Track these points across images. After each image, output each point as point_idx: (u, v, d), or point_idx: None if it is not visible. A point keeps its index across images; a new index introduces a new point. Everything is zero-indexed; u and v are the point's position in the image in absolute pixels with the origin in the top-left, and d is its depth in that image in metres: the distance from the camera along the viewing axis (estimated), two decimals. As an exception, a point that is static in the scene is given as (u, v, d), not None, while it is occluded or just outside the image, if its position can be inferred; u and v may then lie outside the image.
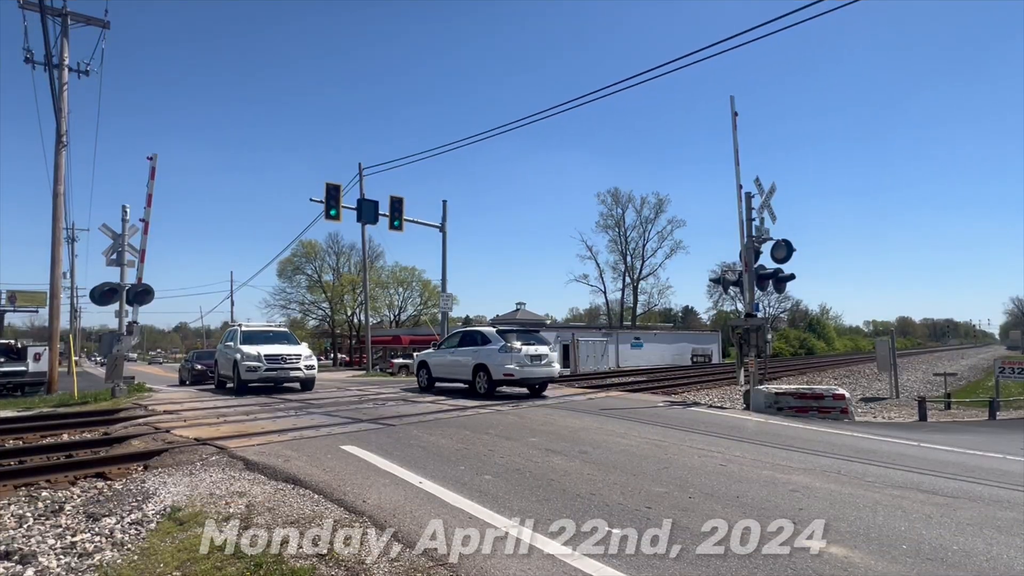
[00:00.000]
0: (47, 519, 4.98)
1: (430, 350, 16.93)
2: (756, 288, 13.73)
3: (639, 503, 5.01)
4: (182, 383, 19.39)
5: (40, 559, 4.02)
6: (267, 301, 72.89)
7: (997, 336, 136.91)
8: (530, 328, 17.34)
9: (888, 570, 3.65)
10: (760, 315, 14.07)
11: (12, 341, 24.10)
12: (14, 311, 59.78)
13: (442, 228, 23.98)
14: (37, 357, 19.57)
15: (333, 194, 19.67)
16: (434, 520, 4.50)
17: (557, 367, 15.05)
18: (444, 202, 24.11)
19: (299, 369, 15.77)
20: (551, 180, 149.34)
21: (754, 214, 13.47)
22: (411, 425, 9.22)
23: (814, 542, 4.10)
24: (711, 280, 61.97)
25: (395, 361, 33.19)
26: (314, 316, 69.03)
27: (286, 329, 19.55)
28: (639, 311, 75.83)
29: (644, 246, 74.05)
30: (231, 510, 4.89)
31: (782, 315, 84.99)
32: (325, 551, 3.93)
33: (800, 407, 12.18)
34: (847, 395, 12.52)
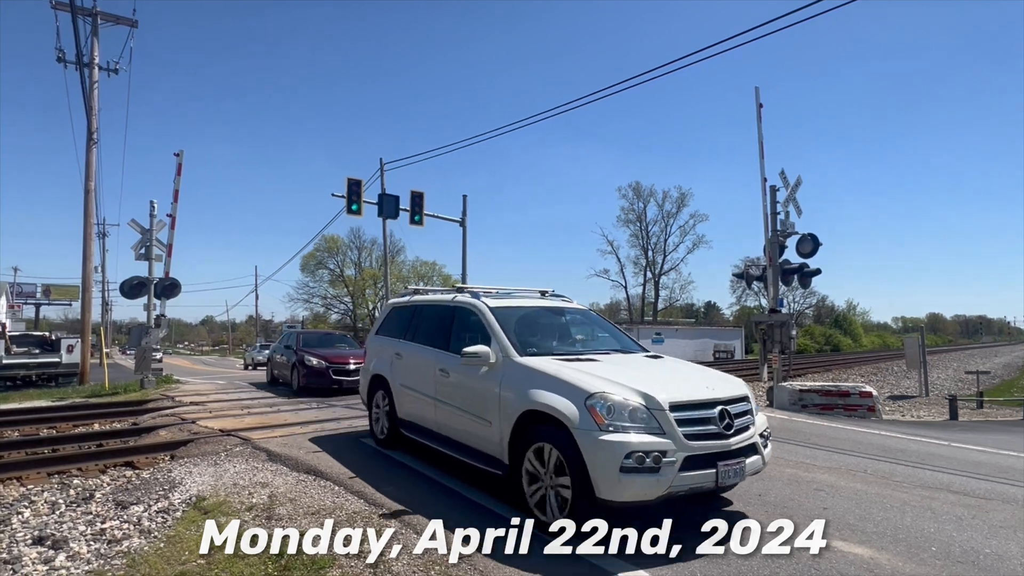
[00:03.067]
0: (78, 506, 5.12)
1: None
2: (780, 283, 13.49)
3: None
4: (273, 382, 15.99)
5: (71, 544, 4.14)
6: (290, 295, 74.06)
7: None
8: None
9: (916, 572, 3.55)
10: (784, 311, 13.83)
11: (47, 333, 24.87)
12: (48, 304, 61.75)
13: (462, 223, 24.03)
14: (70, 349, 20.14)
15: (354, 189, 19.82)
16: (455, 514, 4.52)
17: None
18: (464, 197, 24.16)
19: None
20: (572, 174, 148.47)
21: (779, 208, 13.21)
22: (431, 419, 9.26)
23: (840, 542, 4.02)
24: (734, 275, 61.24)
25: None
26: (336, 310, 69.93)
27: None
28: (660, 306, 75.20)
29: (666, 240, 73.35)
30: (254, 500, 4.97)
31: (807, 311, 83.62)
32: (345, 542, 3.97)
33: (825, 405, 11.96)
34: (874, 393, 12.24)
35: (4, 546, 4.16)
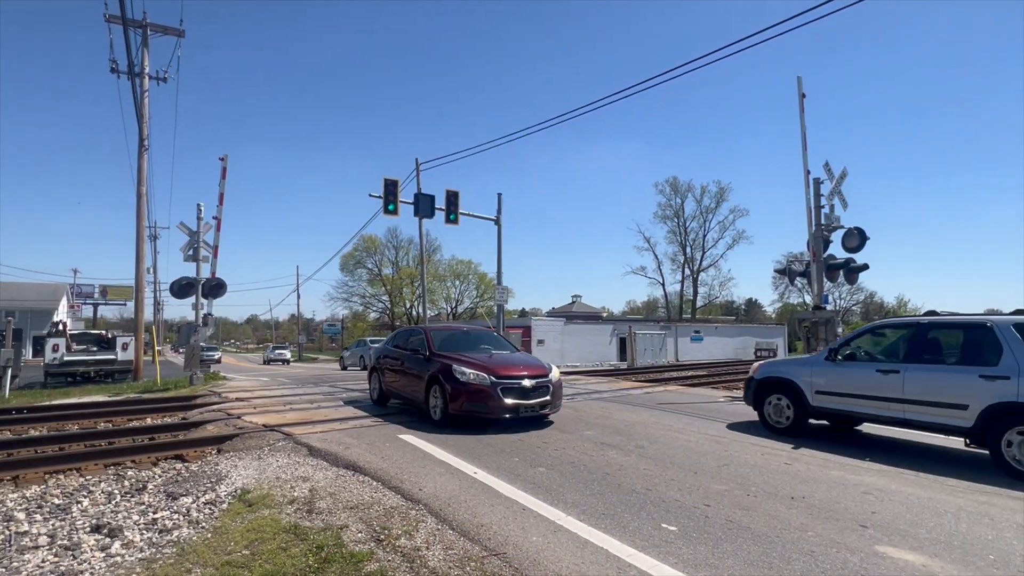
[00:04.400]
0: (132, 496, 5.36)
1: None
2: (825, 279, 13.04)
3: (697, 500, 4.87)
4: (383, 400, 10.53)
5: (126, 533, 4.33)
6: (330, 294, 75.77)
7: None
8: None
9: (973, 581, 3.38)
10: (829, 307, 13.35)
11: (103, 332, 26.11)
12: (105, 304, 64.84)
13: (497, 221, 24.10)
14: (125, 346, 21.08)
15: (391, 189, 20.11)
16: (488, 510, 4.54)
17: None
18: (499, 195, 24.23)
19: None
20: (607, 170, 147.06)
21: (823, 201, 12.77)
22: (467, 416, 9.32)
23: (890, 548, 3.86)
24: (776, 271, 59.47)
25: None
26: (375, 309, 71.18)
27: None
28: (699, 303, 73.77)
29: (704, 236, 71.87)
30: (296, 494, 5.10)
31: (855, 307, 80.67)
32: (383, 537, 4.04)
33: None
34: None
35: (65, 533, 4.39)
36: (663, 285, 74.96)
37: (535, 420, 8.91)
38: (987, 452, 6.21)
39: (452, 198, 21.94)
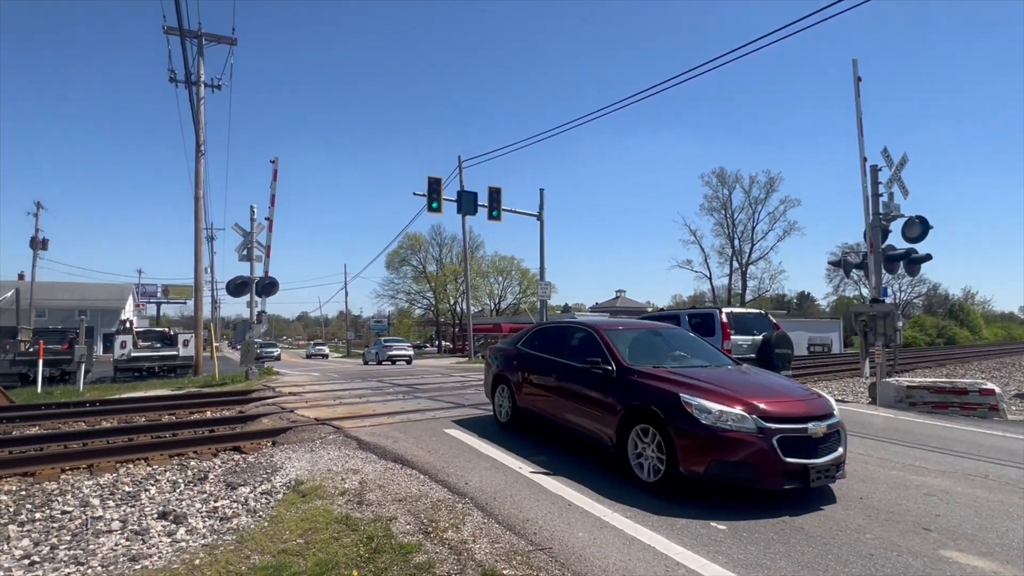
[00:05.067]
0: (195, 485, 5.64)
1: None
2: (884, 271, 12.45)
3: (751, 500, 4.75)
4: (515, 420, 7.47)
5: (190, 520, 4.57)
6: (377, 291, 77.41)
7: None
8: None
9: (1049, 591, 3.18)
10: (888, 300, 12.74)
11: (166, 329, 27.51)
12: (167, 302, 68.25)
13: (539, 216, 24.08)
14: (186, 343, 22.17)
15: (434, 187, 20.36)
16: (533, 505, 4.56)
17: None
18: (541, 190, 24.22)
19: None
20: (651, 163, 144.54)
21: (881, 189, 12.18)
22: (511, 411, 9.37)
23: (956, 554, 3.68)
24: (831, 263, 57.08)
25: (496, 348, 33.88)
26: (420, 305, 72.30)
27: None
28: (748, 297, 71.68)
29: (754, 228, 69.69)
30: (346, 486, 5.25)
31: (916, 300, 76.80)
32: (431, 529, 4.12)
33: (937, 403, 10.93)
34: (997, 390, 11.03)
35: (135, 519, 4.66)
36: (710, 279, 73.18)
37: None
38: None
39: (495, 195, 22.04)
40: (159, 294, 67.18)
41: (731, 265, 71.26)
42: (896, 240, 12.39)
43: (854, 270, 13.41)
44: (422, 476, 5.51)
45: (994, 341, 72.25)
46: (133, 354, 21.40)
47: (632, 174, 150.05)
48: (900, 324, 12.14)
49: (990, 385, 11.15)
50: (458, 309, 65.83)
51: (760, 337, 11.68)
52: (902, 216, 12.09)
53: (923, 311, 77.51)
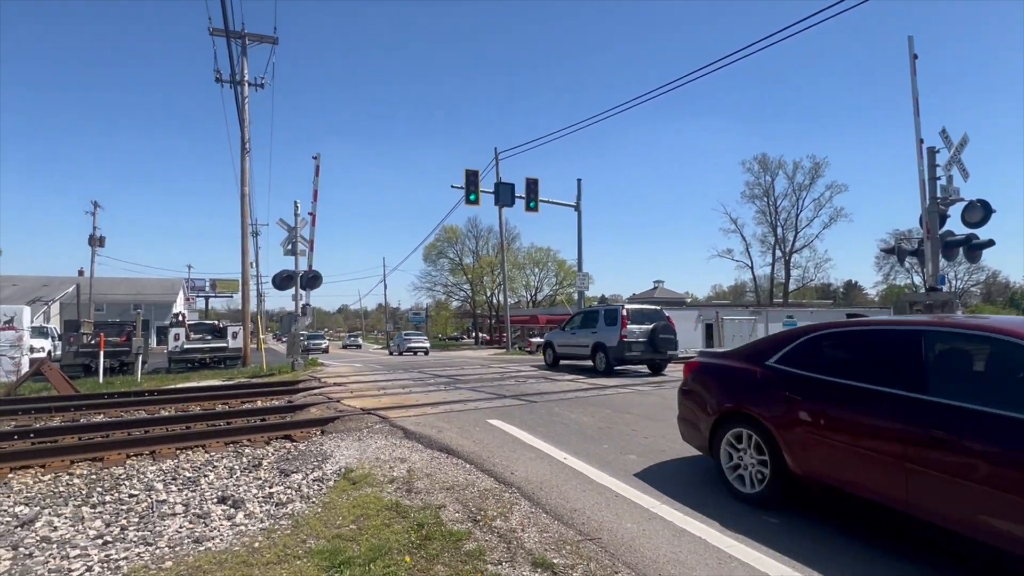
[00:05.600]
0: (250, 472, 5.85)
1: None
2: (941, 257, 11.89)
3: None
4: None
5: (247, 505, 4.75)
6: (414, 284, 78.48)
7: None
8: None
9: None
10: (945, 288, 12.16)
11: (216, 321, 28.54)
12: (215, 296, 70.81)
13: (577, 207, 23.92)
14: (235, 335, 22.95)
15: (472, 179, 20.45)
16: (580, 495, 4.57)
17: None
18: (579, 181, 24.04)
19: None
20: (690, 151, 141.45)
21: (939, 172, 11.61)
22: (552, 402, 9.39)
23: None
24: (883, 250, 54.61)
25: (533, 340, 34.10)
26: (457, 297, 72.97)
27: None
28: (792, 287, 69.65)
29: (798, 216, 67.53)
30: (394, 474, 5.36)
31: (974, 288, 73.17)
32: (479, 518, 4.17)
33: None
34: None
35: (196, 503, 4.87)
36: (751, 268, 71.36)
37: (624, 404, 8.83)
38: None
39: (532, 186, 21.99)
40: (207, 288, 69.77)
41: (773, 254, 69.31)
42: (954, 225, 11.81)
43: (908, 257, 12.85)
44: (468, 465, 5.58)
45: (1060, 331, 68.15)
46: (186, 346, 22.29)
47: (671, 162, 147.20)
48: (958, 313, 11.57)
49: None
50: (495, 301, 66.16)
51: (651, 326, 14.68)
52: (962, 200, 11.50)
53: (982, 300, 73.74)
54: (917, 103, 11.53)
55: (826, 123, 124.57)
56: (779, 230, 68.42)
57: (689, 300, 67.86)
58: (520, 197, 21.84)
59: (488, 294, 67.48)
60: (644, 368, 15.42)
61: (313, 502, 4.74)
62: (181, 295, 63.28)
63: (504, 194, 21.87)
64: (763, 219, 69.09)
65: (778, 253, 68.89)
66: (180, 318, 27.07)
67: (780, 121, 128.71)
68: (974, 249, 11.60)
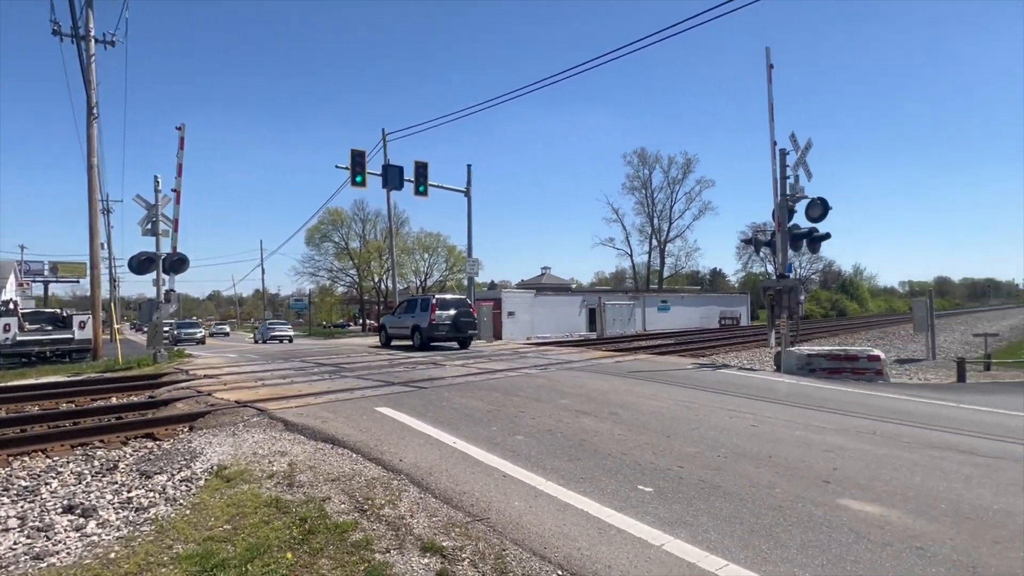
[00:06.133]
0: (103, 476, 5.25)
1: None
2: (789, 248, 13.41)
3: (670, 462, 5.05)
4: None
5: (100, 512, 4.26)
6: (296, 268, 74.29)
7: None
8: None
9: (926, 529, 3.62)
10: (792, 276, 13.76)
11: (58, 310, 25.11)
12: (56, 281, 62.19)
13: (467, 193, 23.89)
14: (82, 325, 20.37)
15: (358, 160, 19.66)
16: (470, 478, 4.62)
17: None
18: (469, 166, 23.98)
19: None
20: (577, 141, 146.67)
21: (788, 171, 13.04)
22: (443, 388, 9.39)
23: (851, 501, 4.09)
24: (742, 241, 60.75)
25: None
26: (342, 283, 70.17)
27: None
28: (666, 274, 75.09)
29: (671, 208, 72.82)
30: (274, 468, 5.08)
31: (814, 276, 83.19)
32: (367, 507, 4.08)
33: (833, 368, 12.01)
34: (882, 356, 12.28)
35: (36, 514, 4.29)
36: (631, 256, 75.94)
37: (512, 387, 9.03)
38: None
39: (421, 169, 21.62)
40: (46, 272, 61.01)
41: (650, 243, 74.22)
42: (800, 220, 13.36)
43: (763, 248, 14.35)
44: (355, 455, 5.43)
45: (878, 312, 79.92)
46: (20, 338, 19.42)
47: (559, 152, 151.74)
48: (802, 298, 13.17)
49: (877, 352, 12.38)
50: (383, 287, 64.50)
51: (455, 312, 18.55)
52: (806, 197, 13.03)
53: (819, 286, 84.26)
54: (771, 109, 12.83)
55: (699, 121, 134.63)
56: (655, 220, 73.35)
57: (574, 286, 70.69)
58: (409, 181, 21.37)
59: (376, 280, 65.64)
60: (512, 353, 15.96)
61: (181, 504, 4.36)
62: (12, 280, 54.76)
63: (392, 177, 21.27)
64: (642, 210, 73.71)
65: (654, 242, 73.87)
66: (11, 306, 23.45)
67: (659, 117, 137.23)
68: (815, 241, 13.22)
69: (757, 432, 6.29)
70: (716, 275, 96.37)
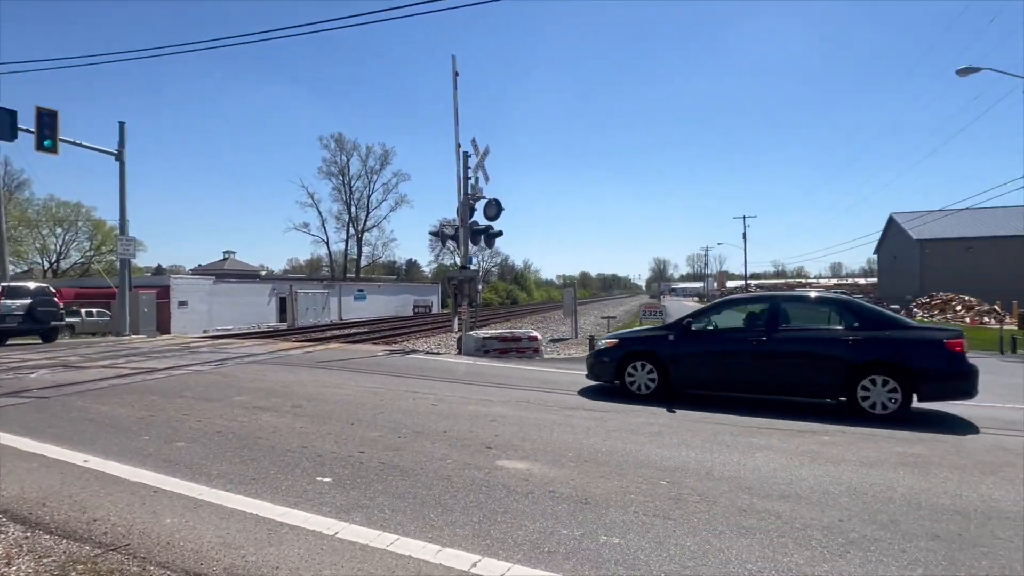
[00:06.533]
0: None
1: None
2: (470, 243, 14.85)
3: (352, 449, 5.06)
4: None
5: None
6: None
7: (644, 287, 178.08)
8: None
9: (557, 475, 4.45)
10: (473, 267, 15.32)
11: None
12: None
13: (119, 156, 19.60)
14: None
15: (-63, 93, 14.19)
16: (104, 501, 3.81)
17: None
18: (121, 124, 19.66)
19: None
20: (268, 117, 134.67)
21: (470, 173, 14.42)
22: (75, 395, 7.53)
23: (506, 462, 4.75)
24: (431, 233, 65.01)
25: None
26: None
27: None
28: (364, 263, 75.24)
29: (369, 197, 73.12)
30: None
31: (493, 268, 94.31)
32: (-73, 566, 2.97)
33: (503, 349, 13.82)
34: (539, 337, 14.68)
35: None
36: (327, 243, 73.66)
37: (177, 388, 7.79)
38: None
39: (47, 119, 16.94)
40: None
41: (347, 231, 73.27)
42: (481, 218, 14.94)
43: (449, 241, 15.57)
44: (-87, 498, 3.91)
45: (541, 301, 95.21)
46: None
47: (246, 126, 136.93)
48: (480, 288, 14.78)
49: (535, 333, 14.71)
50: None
51: (30, 301, 16.81)
52: (484, 198, 14.62)
53: (497, 277, 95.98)
54: (457, 114, 13.99)
55: (398, 116, 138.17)
56: (353, 208, 72.65)
57: (264, 273, 65.20)
58: (27, 131, 16.43)
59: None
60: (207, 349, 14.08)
61: None
62: None
63: (1, 123, 16.06)
64: (339, 196, 72.10)
65: (352, 230, 73.15)
66: None
67: (359, 105, 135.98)
68: (490, 237, 14.95)
69: (436, 411, 6.79)
70: (412, 266, 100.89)
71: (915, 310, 36.05)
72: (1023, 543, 3.35)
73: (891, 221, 53.29)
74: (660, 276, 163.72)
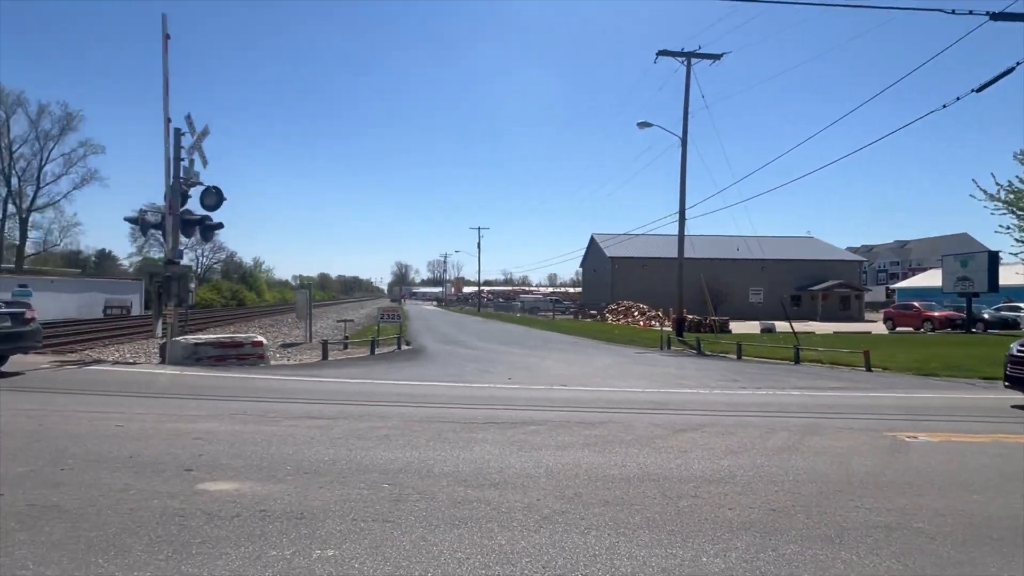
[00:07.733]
0: None
1: None
2: (182, 234, 12.85)
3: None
4: None
5: None
6: None
7: (386, 291, 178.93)
8: None
9: (272, 492, 4.09)
10: (188, 263, 13.28)
11: None
12: None
13: None
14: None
15: None
16: None
17: None
18: None
19: None
20: None
21: (184, 154, 12.49)
22: None
23: (209, 484, 4.18)
24: (126, 219, 53.94)
25: None
26: None
27: None
28: (31, 250, 59.10)
29: (41, 168, 57.88)
30: None
31: (216, 265, 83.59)
32: None
33: (219, 356, 12.26)
34: (264, 342, 13.43)
35: None
36: (-34, 223, 55.79)
37: None
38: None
39: None
40: None
41: (4, 209, 56.85)
42: (195, 206, 13.04)
43: (152, 230, 13.23)
44: None
45: (274, 302, 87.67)
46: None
47: None
48: (192, 285, 12.88)
49: (260, 338, 13.45)
50: None
51: None
52: (201, 184, 12.81)
53: (221, 276, 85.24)
54: (167, 82, 11.99)
55: (89, 75, 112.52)
56: (15, 181, 56.72)
57: None
58: None
59: None
60: None
61: None
62: None
63: None
64: (-8, 163, 55.33)
65: (12, 208, 57.02)
66: None
67: (30, 50, 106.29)
68: (208, 230, 13.18)
69: (123, 432, 5.66)
70: (105, 257, 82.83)
71: (607, 314, 43.63)
72: (663, 497, 4.27)
73: (592, 240, 63.45)
74: (402, 280, 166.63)
